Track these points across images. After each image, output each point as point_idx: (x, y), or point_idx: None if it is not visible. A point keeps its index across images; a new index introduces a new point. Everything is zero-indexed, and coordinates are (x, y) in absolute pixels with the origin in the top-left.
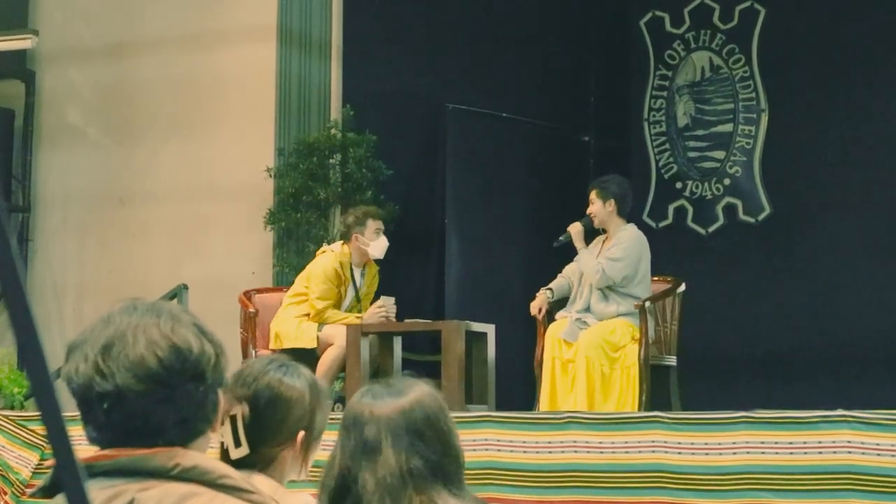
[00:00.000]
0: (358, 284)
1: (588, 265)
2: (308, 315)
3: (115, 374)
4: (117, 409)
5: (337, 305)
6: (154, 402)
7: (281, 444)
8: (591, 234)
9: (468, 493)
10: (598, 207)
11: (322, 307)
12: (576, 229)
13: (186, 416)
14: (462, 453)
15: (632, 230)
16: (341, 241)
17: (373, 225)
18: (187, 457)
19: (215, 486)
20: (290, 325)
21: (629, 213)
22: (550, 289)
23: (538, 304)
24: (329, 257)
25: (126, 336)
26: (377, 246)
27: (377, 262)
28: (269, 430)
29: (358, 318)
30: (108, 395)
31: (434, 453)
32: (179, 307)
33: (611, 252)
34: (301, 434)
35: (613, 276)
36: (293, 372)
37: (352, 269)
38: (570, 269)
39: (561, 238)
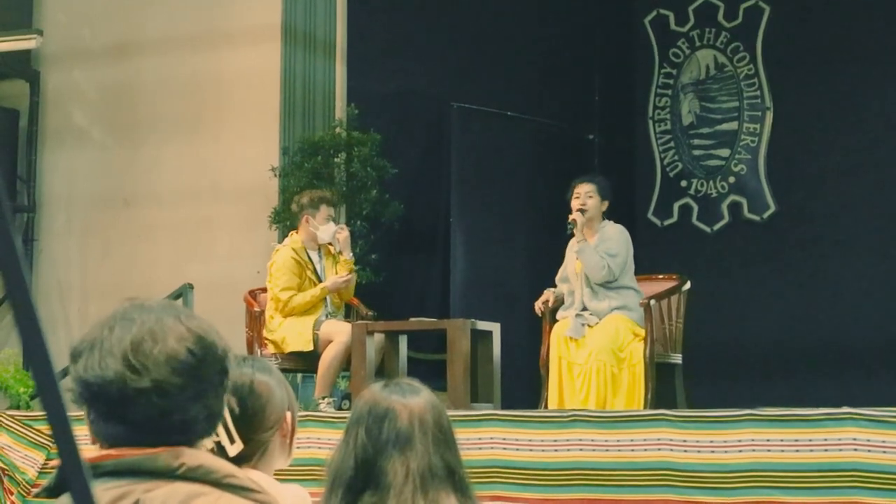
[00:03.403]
0: (319, 269)
1: (592, 261)
2: (296, 314)
3: (151, 369)
4: (154, 404)
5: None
6: (188, 397)
7: (269, 429)
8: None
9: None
10: (596, 203)
11: (287, 297)
12: (580, 219)
13: (214, 410)
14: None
15: (616, 225)
16: (290, 232)
17: (325, 211)
18: (192, 456)
19: (221, 486)
20: (285, 329)
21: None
22: (554, 291)
23: (544, 298)
24: (284, 251)
25: (155, 331)
26: (326, 230)
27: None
28: (256, 418)
29: (323, 289)
30: (145, 390)
31: (452, 454)
32: (181, 306)
33: (607, 248)
34: (288, 415)
35: (616, 272)
36: (257, 364)
37: (308, 253)
38: (560, 278)
39: (570, 226)
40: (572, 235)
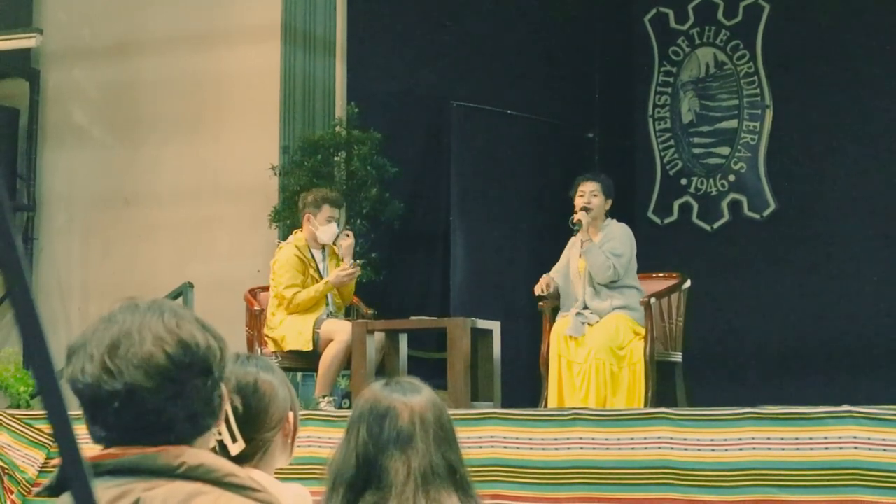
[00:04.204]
0: (321, 267)
1: (599, 261)
2: (299, 311)
3: (124, 372)
4: (128, 407)
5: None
6: (164, 399)
7: (272, 428)
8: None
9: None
10: (600, 202)
11: (291, 295)
12: (586, 219)
13: (196, 411)
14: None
15: (619, 224)
16: (295, 230)
17: (327, 211)
18: (193, 455)
19: (221, 485)
20: (286, 328)
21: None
22: (553, 279)
23: (545, 282)
24: (287, 249)
25: (132, 334)
26: (326, 231)
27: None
28: (259, 418)
29: (326, 283)
30: (118, 393)
31: (453, 453)
32: (178, 304)
33: (611, 248)
34: (290, 414)
35: (620, 272)
36: (261, 363)
37: (311, 252)
38: (554, 272)
39: (575, 227)
40: (577, 233)
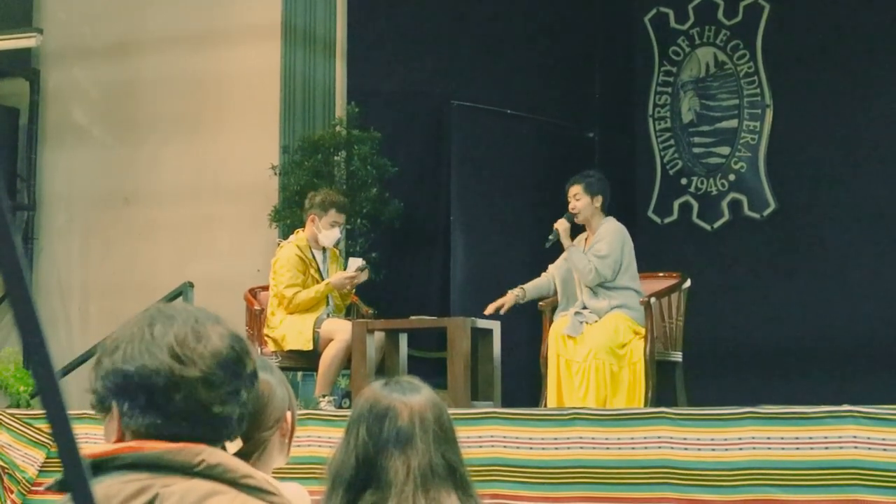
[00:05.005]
0: (322, 268)
1: (580, 265)
2: (300, 311)
3: (198, 361)
4: (199, 394)
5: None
6: (228, 392)
7: (270, 427)
8: (574, 229)
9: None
10: (586, 203)
11: (292, 294)
12: (563, 226)
13: (245, 410)
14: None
15: (611, 223)
16: (297, 230)
17: (333, 215)
18: (212, 454)
19: (237, 486)
20: (286, 327)
21: (607, 208)
22: (523, 288)
23: (502, 303)
24: (288, 248)
25: (197, 328)
26: (328, 235)
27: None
28: (257, 417)
29: (327, 284)
30: (192, 381)
31: (453, 452)
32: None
33: (597, 249)
34: (288, 414)
35: (606, 274)
36: (259, 362)
37: (312, 252)
38: (554, 268)
39: (550, 238)
40: (549, 245)
